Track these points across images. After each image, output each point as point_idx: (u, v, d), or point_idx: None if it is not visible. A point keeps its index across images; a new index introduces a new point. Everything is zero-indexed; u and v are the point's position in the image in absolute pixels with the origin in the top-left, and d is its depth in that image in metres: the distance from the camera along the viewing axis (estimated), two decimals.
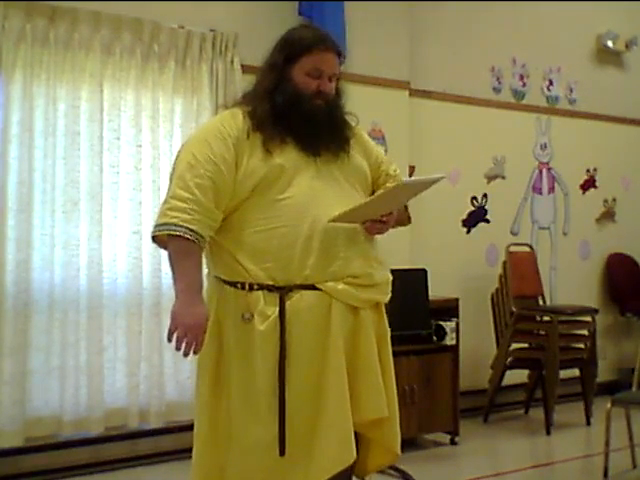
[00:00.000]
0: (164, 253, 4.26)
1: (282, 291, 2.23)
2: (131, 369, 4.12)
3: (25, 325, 3.84)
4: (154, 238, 2.29)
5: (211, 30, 4.37)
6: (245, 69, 4.33)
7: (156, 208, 4.16)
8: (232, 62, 4.40)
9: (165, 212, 2.24)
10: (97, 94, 4.04)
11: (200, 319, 2.21)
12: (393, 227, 2.60)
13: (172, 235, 2.21)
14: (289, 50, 2.35)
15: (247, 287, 2.25)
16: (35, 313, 3.89)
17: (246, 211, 2.28)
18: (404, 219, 2.60)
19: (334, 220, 2.25)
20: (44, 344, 3.91)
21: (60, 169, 3.97)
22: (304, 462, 2.21)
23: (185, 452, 3.99)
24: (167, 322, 4.36)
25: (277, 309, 2.22)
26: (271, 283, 2.24)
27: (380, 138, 5.00)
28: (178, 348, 2.21)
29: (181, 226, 2.19)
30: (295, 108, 2.30)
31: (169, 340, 2.21)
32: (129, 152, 4.16)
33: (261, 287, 2.24)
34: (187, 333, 2.19)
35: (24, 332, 3.83)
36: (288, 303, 2.22)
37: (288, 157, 2.28)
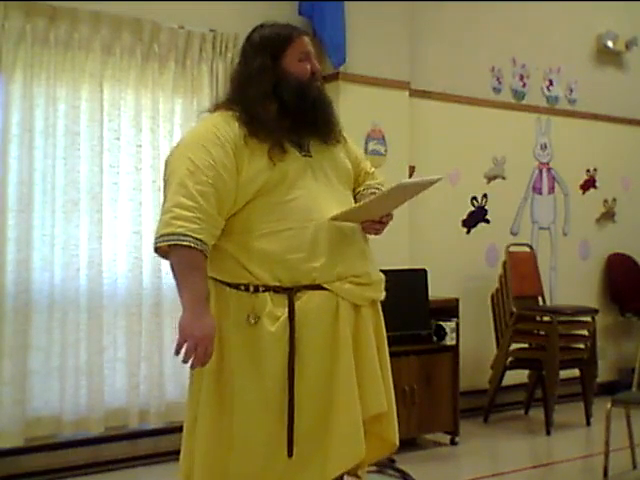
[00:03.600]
0: None
1: (290, 292, 2.23)
2: (131, 369, 4.12)
3: (25, 325, 3.84)
4: (156, 249, 2.24)
5: (211, 30, 4.37)
6: None
7: (157, 208, 4.16)
8: (232, 62, 4.40)
9: (170, 221, 2.17)
10: (97, 94, 4.04)
11: (209, 331, 2.17)
12: None
13: (179, 245, 2.15)
14: (272, 48, 2.35)
15: (251, 289, 2.24)
16: (35, 313, 3.89)
17: (250, 214, 2.26)
18: None
19: (335, 218, 2.26)
20: (44, 344, 3.91)
21: (60, 169, 3.97)
22: (316, 460, 2.22)
23: None
24: (167, 322, 4.42)
25: (286, 310, 2.22)
26: (278, 284, 2.23)
27: (380, 138, 4.99)
28: (186, 361, 2.15)
29: (189, 236, 2.14)
30: (304, 98, 2.31)
31: (177, 353, 2.16)
32: (129, 152, 4.16)
33: (267, 289, 2.23)
34: (197, 345, 2.14)
35: (24, 332, 3.83)
36: (297, 304, 2.22)
37: (288, 160, 2.28)
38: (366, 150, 4.85)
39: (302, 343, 2.22)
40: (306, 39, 2.40)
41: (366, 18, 4.91)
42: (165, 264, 4.17)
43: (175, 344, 2.16)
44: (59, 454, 4.05)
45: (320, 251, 2.25)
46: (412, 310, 4.43)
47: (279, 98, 2.30)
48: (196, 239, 2.15)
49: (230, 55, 4.41)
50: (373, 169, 2.61)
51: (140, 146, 4.17)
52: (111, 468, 4.14)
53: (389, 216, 2.40)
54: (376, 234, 2.40)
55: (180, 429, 4.28)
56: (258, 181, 2.24)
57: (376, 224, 2.37)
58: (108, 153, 4.10)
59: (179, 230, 2.15)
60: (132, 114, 4.17)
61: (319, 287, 2.25)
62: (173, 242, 2.16)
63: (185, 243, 2.15)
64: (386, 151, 5.00)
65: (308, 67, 2.36)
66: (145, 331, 4.15)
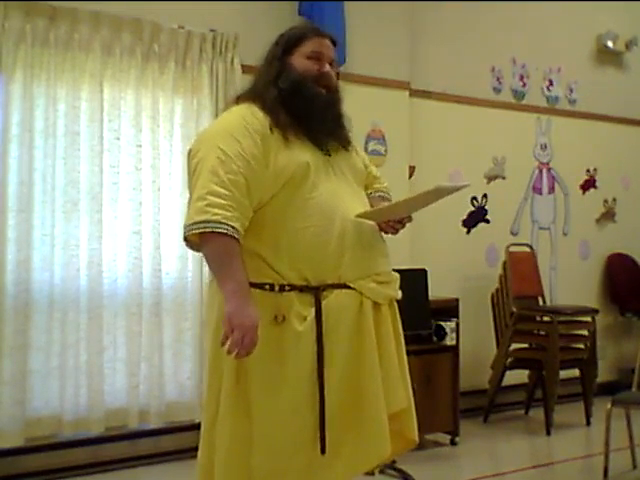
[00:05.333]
0: (164, 253, 4.32)
1: (317, 291, 2.23)
2: (131, 369, 4.11)
3: (25, 325, 3.84)
4: (186, 237, 2.20)
5: (211, 30, 4.37)
6: (245, 69, 4.33)
7: (156, 208, 4.17)
8: (232, 62, 4.40)
9: (204, 209, 2.12)
10: (97, 94, 4.04)
11: (256, 320, 2.15)
12: None
13: (215, 233, 2.12)
14: (286, 42, 2.39)
15: (277, 288, 2.23)
16: (35, 313, 3.88)
17: (275, 210, 2.25)
18: None
19: (360, 216, 2.29)
20: (44, 344, 3.91)
21: (60, 169, 3.96)
22: (344, 458, 2.24)
23: (185, 452, 4.02)
24: (167, 322, 4.41)
25: (313, 309, 2.22)
26: (303, 283, 2.23)
27: (380, 138, 5.00)
28: (232, 351, 2.13)
29: (224, 223, 2.11)
30: (299, 92, 2.32)
31: (224, 344, 2.13)
32: (129, 152, 4.16)
33: (293, 288, 2.23)
34: (245, 335, 2.12)
35: (24, 332, 3.83)
36: (324, 303, 2.23)
37: (309, 155, 2.29)
38: (366, 150, 4.85)
39: (329, 342, 2.23)
40: (322, 41, 2.40)
41: (366, 18, 4.92)
42: (165, 264, 4.20)
43: (222, 335, 2.13)
44: (59, 454, 4.04)
45: (346, 249, 2.26)
46: (412, 310, 4.41)
47: (278, 87, 2.33)
48: (231, 227, 2.13)
49: (230, 55, 4.40)
50: (379, 173, 2.65)
51: (140, 146, 4.16)
52: (111, 468, 4.13)
53: (409, 217, 2.43)
54: (394, 234, 2.43)
55: (180, 429, 4.31)
56: (285, 173, 2.24)
57: (396, 224, 2.40)
58: (108, 153, 4.10)
59: (215, 217, 2.11)
60: (132, 114, 4.17)
61: (344, 286, 2.26)
62: (210, 229, 2.12)
63: (222, 230, 2.11)
64: (386, 151, 5.00)
65: (315, 66, 2.36)
66: (145, 331, 4.14)
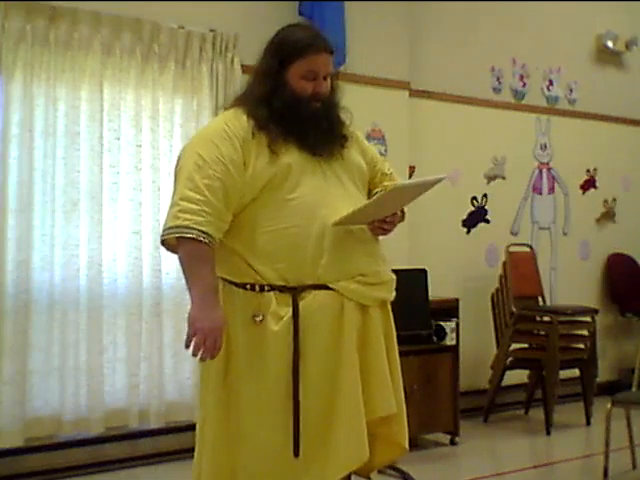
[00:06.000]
0: (164, 253, 4.29)
1: (294, 291, 2.23)
2: (131, 369, 4.11)
3: (25, 325, 3.83)
4: (163, 242, 2.25)
5: (211, 30, 4.37)
6: (245, 69, 4.33)
7: (156, 208, 4.17)
8: (232, 62, 4.40)
9: (176, 214, 2.18)
10: (97, 94, 4.04)
11: (218, 323, 2.18)
12: None
13: (185, 238, 2.16)
14: (282, 54, 2.34)
15: (257, 288, 2.24)
16: (35, 313, 3.88)
17: (255, 212, 2.27)
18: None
19: (337, 223, 2.25)
20: (44, 344, 3.91)
21: (60, 169, 3.97)
22: (319, 461, 2.22)
23: (185, 452, 4.02)
24: (167, 322, 4.41)
25: (290, 310, 2.22)
26: (282, 284, 2.23)
27: (380, 138, 4.99)
28: (195, 354, 2.16)
29: (194, 228, 2.16)
30: (294, 112, 2.31)
31: (187, 346, 2.16)
32: (129, 152, 4.16)
33: (272, 288, 2.24)
34: (206, 338, 2.15)
35: (24, 332, 3.83)
36: (301, 303, 2.23)
37: (293, 157, 2.28)
38: None
39: (306, 343, 2.21)
40: (321, 58, 2.34)
41: (366, 18, 4.92)
42: (165, 264, 4.20)
43: (185, 338, 2.16)
44: (59, 454, 4.04)
45: (325, 249, 2.24)
46: (412, 310, 4.42)
47: (270, 104, 2.31)
48: (202, 232, 2.16)
49: (230, 55, 4.40)
50: (391, 170, 2.60)
51: (140, 146, 4.17)
52: (111, 468, 4.13)
53: (396, 216, 2.38)
54: (384, 234, 2.39)
55: (180, 429, 4.31)
56: (264, 176, 2.24)
57: (383, 224, 2.35)
58: (108, 153, 4.10)
59: (185, 223, 2.16)
60: (132, 114, 4.17)
61: (324, 287, 2.24)
62: (179, 234, 2.17)
63: (190, 235, 2.16)
64: (386, 151, 5.00)
65: (309, 86, 2.33)
66: (145, 331, 4.14)
